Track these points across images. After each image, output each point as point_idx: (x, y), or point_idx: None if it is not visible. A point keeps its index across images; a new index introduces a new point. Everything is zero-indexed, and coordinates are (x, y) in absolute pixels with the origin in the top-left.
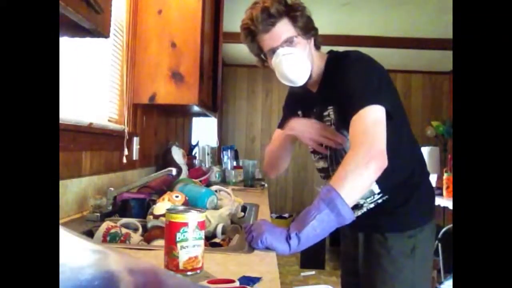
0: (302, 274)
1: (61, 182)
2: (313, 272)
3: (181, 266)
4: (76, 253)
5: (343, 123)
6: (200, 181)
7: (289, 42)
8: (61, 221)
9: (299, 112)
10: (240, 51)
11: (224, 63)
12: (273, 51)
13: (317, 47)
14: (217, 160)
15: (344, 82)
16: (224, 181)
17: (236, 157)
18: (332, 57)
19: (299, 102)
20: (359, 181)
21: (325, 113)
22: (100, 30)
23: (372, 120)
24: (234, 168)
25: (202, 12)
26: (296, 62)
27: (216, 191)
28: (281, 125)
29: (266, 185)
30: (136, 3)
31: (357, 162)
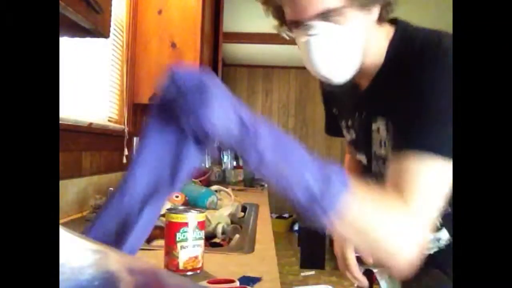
0: (302, 274)
1: (61, 182)
2: (313, 272)
3: (181, 266)
4: (76, 253)
5: (399, 147)
6: (200, 181)
7: (326, 16)
8: (61, 221)
9: (335, 110)
10: (240, 51)
11: (224, 63)
12: (296, 24)
13: (382, 18)
14: (217, 160)
15: (418, 91)
16: (224, 181)
17: (236, 157)
18: (405, 38)
19: (334, 97)
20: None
21: (374, 127)
22: (100, 30)
23: (435, 177)
24: (234, 168)
25: (202, 12)
26: (333, 52)
27: (216, 191)
28: (327, 129)
29: (266, 185)
30: (136, 3)
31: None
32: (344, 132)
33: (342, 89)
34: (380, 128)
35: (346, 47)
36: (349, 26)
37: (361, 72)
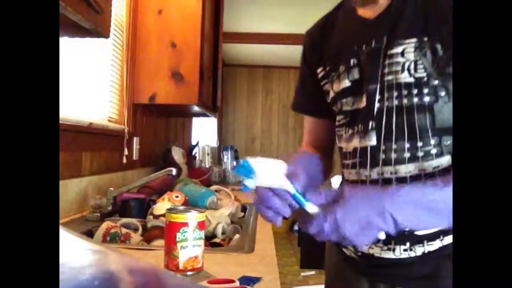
0: (302, 274)
1: (61, 182)
2: (313, 272)
3: (181, 266)
4: (76, 253)
5: (439, 72)
6: (200, 181)
7: None
8: (61, 221)
9: (320, 70)
10: (240, 51)
11: (224, 63)
12: None
13: None
14: (217, 160)
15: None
16: (224, 181)
17: (236, 157)
18: None
19: (324, 50)
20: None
21: (394, 51)
22: (100, 30)
23: None
24: (234, 168)
25: (202, 12)
26: None
27: (216, 191)
28: (294, 103)
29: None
30: (136, 3)
31: None
32: (335, 86)
33: (342, 23)
34: (406, 50)
35: None
36: None
37: None
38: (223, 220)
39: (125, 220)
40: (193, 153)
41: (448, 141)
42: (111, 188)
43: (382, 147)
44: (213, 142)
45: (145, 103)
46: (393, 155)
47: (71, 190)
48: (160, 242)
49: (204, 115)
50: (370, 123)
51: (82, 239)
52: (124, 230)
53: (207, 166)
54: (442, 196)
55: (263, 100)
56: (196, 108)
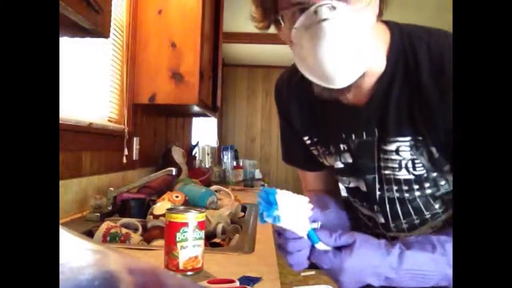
0: (302, 274)
1: (61, 182)
2: (313, 272)
3: (181, 266)
4: (76, 253)
5: (437, 169)
6: (200, 181)
7: None
8: (61, 221)
9: (307, 138)
10: (240, 51)
11: (224, 63)
12: (302, 9)
13: (380, 13)
14: (217, 160)
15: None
16: (224, 181)
17: (236, 157)
18: (406, 37)
19: (312, 122)
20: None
21: (388, 147)
22: (100, 30)
23: None
24: (234, 168)
25: (202, 12)
26: (347, 42)
27: (216, 191)
28: (284, 156)
29: (266, 185)
30: (136, 3)
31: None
32: (327, 159)
33: (325, 107)
34: (400, 148)
35: (360, 37)
36: (364, 11)
37: (357, 82)
38: (223, 220)
39: (125, 220)
40: (193, 153)
41: (450, 197)
42: (111, 188)
43: (392, 224)
44: (213, 142)
45: (145, 103)
46: (405, 225)
47: (71, 190)
48: (160, 242)
49: (204, 115)
50: (375, 207)
51: (82, 239)
52: (124, 230)
53: (207, 166)
54: (436, 269)
55: (263, 100)
56: (196, 108)
